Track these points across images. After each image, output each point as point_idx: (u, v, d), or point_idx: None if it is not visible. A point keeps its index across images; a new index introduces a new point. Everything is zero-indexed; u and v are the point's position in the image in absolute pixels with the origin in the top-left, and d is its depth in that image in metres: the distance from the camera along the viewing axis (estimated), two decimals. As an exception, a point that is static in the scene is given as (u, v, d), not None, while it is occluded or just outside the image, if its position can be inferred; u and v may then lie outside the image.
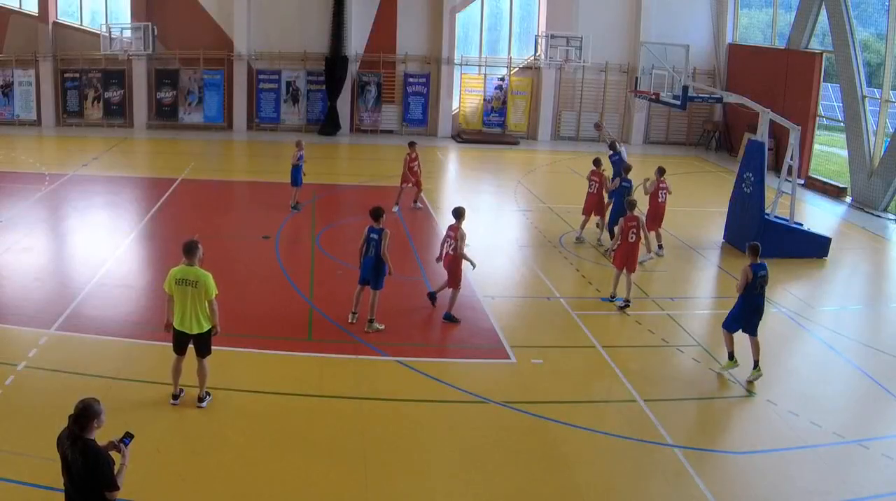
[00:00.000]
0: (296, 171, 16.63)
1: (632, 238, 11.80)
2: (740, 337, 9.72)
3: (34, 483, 6.79)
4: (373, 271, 10.52)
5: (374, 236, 10.43)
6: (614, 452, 8.01)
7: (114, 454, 5.25)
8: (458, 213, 11.27)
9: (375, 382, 9.21)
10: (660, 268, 14.05)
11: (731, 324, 9.79)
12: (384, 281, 10.65)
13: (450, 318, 11.13)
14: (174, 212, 16.62)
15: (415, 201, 17.49)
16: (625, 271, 11.97)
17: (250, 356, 9.71)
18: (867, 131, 20.51)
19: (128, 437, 5.29)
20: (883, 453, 8.12)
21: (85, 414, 5.02)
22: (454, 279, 11.15)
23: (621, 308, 11.89)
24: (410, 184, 17.18)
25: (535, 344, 10.63)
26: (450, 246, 11.12)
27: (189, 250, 8.12)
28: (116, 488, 5.08)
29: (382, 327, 10.62)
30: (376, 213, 10.52)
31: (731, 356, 9.79)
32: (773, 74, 24.34)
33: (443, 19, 27.18)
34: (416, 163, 17.12)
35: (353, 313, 10.84)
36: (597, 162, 15.48)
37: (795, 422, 8.68)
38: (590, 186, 15.22)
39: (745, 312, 9.65)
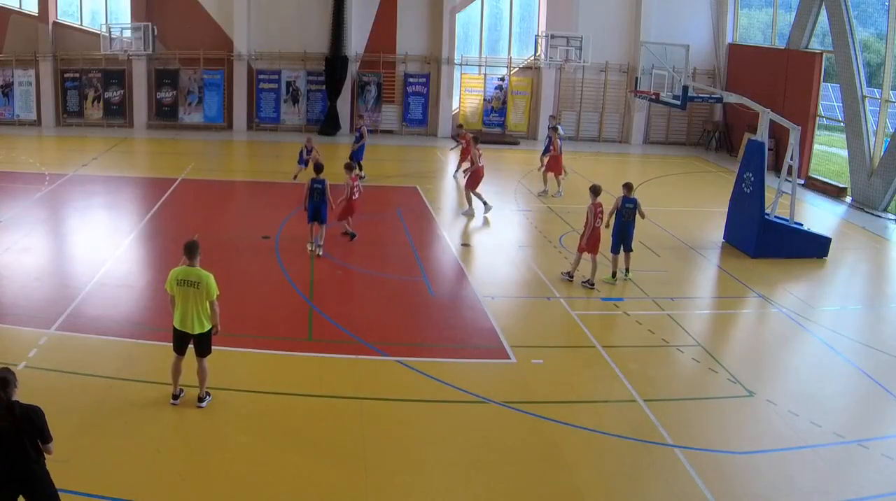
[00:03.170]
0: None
1: (598, 223, 12.70)
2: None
3: (34, 483, 6.79)
4: (321, 212, 13.38)
5: (318, 186, 13.30)
6: (614, 452, 8.01)
7: None
8: (350, 167, 14.62)
9: (375, 382, 9.21)
10: (660, 268, 14.05)
11: (613, 248, 12.99)
12: (328, 217, 13.63)
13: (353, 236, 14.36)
14: (174, 212, 16.63)
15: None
16: (588, 254, 12.86)
17: (250, 356, 9.71)
18: (867, 131, 20.51)
19: None
20: (883, 453, 8.12)
21: (6, 379, 5.57)
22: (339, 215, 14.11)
23: (588, 286, 12.76)
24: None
25: (535, 344, 10.63)
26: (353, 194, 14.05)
27: (190, 250, 8.12)
28: (51, 438, 5.66)
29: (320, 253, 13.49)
30: (319, 168, 13.63)
31: (614, 275, 13.01)
32: (773, 74, 24.34)
33: (443, 19, 27.17)
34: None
35: (312, 243, 13.62)
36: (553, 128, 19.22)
37: (795, 422, 8.68)
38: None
39: (618, 234, 12.91)
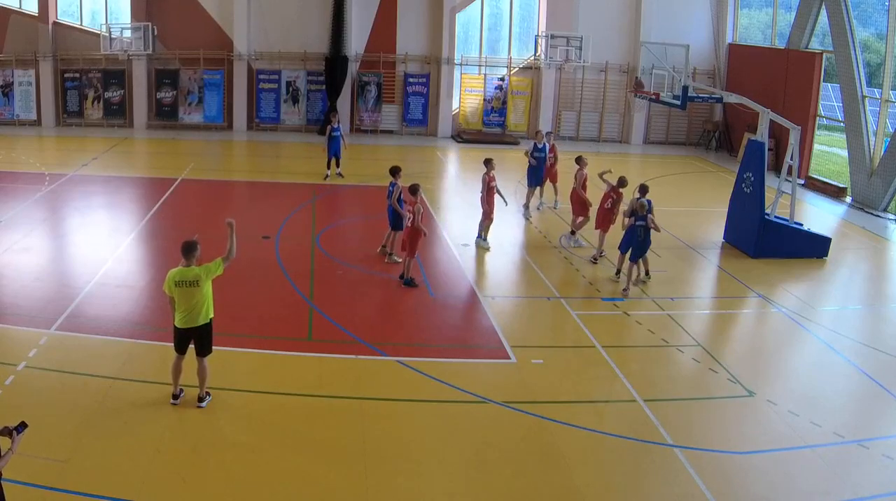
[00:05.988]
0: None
1: (608, 205, 14.01)
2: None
3: (34, 483, 6.80)
4: (391, 216, 13.11)
5: (391, 189, 12.93)
6: (614, 452, 8.02)
7: (3, 439, 5.31)
8: (415, 189, 12.39)
9: (375, 382, 9.21)
10: (660, 268, 14.04)
11: (622, 246, 13.01)
12: (403, 225, 12.63)
13: (410, 283, 12.30)
14: (174, 212, 16.62)
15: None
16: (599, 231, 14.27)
17: (250, 356, 9.71)
18: (867, 131, 20.51)
19: (22, 426, 5.42)
20: (883, 453, 8.13)
21: None
22: (412, 248, 12.34)
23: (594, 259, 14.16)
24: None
25: (535, 344, 10.63)
26: (408, 219, 12.37)
27: (187, 251, 8.14)
28: None
29: (399, 259, 12.85)
30: (394, 170, 13.26)
31: (618, 272, 13.17)
32: (773, 74, 24.34)
33: (443, 19, 27.17)
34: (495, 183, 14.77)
35: (384, 246, 13.57)
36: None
37: (795, 422, 8.68)
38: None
39: (630, 238, 12.76)
